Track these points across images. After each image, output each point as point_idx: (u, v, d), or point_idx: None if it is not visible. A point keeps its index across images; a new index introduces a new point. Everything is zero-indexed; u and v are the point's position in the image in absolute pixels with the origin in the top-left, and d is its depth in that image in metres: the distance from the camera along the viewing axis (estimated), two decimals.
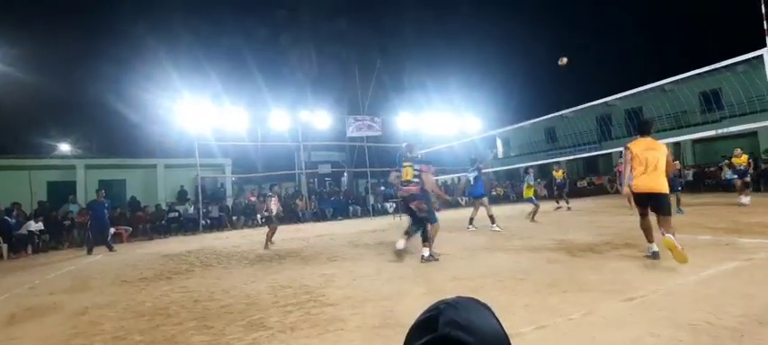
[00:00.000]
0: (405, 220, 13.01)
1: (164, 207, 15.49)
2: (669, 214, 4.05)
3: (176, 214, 14.66)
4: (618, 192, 10.23)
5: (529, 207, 9.61)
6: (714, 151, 19.76)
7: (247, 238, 10.20)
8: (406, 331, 0.54)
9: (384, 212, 17.36)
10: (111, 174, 17.53)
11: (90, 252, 9.25)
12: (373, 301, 3.39)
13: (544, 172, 20.94)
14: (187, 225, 14.22)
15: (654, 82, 7.41)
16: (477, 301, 0.56)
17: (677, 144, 19.19)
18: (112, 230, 10.58)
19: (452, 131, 17.64)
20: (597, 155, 19.06)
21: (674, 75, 6.86)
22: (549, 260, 4.58)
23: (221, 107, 14.68)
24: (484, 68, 37.82)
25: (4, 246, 10.06)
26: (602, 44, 37.18)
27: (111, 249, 9.47)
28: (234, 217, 15.74)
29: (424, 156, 5.55)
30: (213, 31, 33.75)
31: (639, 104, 21.62)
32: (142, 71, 23.27)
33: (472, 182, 8.36)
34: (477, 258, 5.15)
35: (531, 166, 11.01)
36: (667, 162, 4.18)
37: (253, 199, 15.04)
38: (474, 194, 8.69)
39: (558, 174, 12.68)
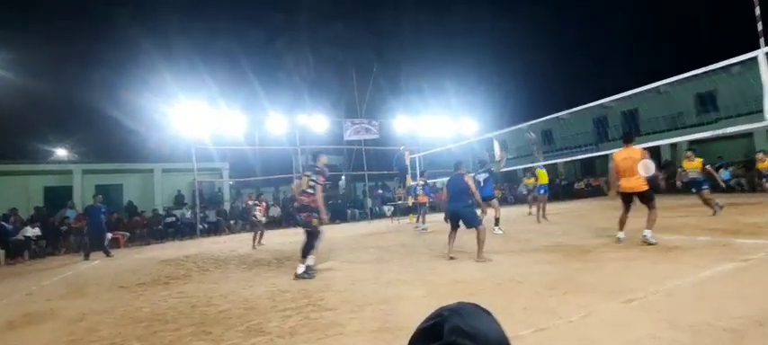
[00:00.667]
0: (402, 223, 13.12)
1: (161, 211, 15.45)
2: (652, 204, 5.12)
3: (173, 218, 14.63)
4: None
5: (526, 208, 9.57)
6: (710, 152, 19.86)
7: (245, 242, 10.16)
8: (406, 334, 0.53)
9: (382, 215, 17.34)
10: (108, 179, 17.46)
11: (87, 257, 9.19)
12: (372, 305, 3.39)
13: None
14: (184, 230, 14.15)
15: (649, 83, 7.43)
16: (479, 307, 0.56)
17: (673, 145, 19.28)
18: (109, 235, 10.52)
19: (449, 134, 17.65)
20: (594, 157, 19.10)
21: (670, 76, 6.87)
22: (547, 262, 4.58)
23: (218, 111, 14.63)
24: (480, 71, 37.89)
25: (1, 252, 9.99)
26: (599, 45, 37.47)
27: (108, 254, 9.41)
28: (231, 222, 15.71)
29: (324, 167, 5.09)
30: (210, 36, 33.83)
31: (635, 106, 21.72)
32: (139, 76, 23.34)
33: (482, 184, 8.33)
34: (475, 260, 5.14)
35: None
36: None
37: (250, 202, 14.99)
38: (483, 196, 8.68)
39: (530, 181, 11.35)
